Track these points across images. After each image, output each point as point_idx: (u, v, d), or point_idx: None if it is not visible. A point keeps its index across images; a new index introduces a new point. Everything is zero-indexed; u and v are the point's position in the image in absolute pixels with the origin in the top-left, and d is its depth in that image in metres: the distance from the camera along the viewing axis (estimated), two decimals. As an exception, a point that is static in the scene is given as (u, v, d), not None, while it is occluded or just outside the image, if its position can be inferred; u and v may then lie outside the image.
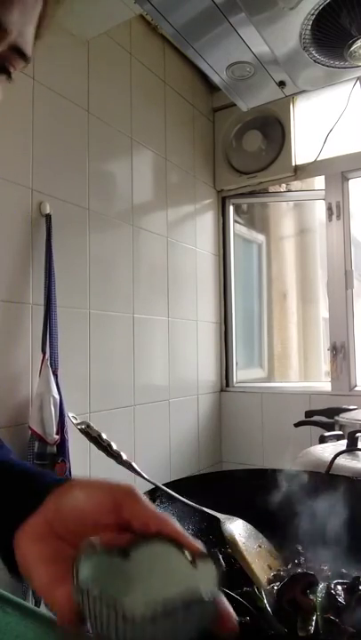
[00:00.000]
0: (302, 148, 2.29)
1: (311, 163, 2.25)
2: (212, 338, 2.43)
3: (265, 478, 0.81)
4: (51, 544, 0.37)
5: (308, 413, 1.80)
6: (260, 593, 0.57)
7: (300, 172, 2.29)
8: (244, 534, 0.66)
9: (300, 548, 0.72)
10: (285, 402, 2.27)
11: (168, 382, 2.08)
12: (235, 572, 0.65)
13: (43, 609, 0.43)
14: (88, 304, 1.69)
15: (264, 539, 0.69)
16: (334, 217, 2.23)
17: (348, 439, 1.12)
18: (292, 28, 1.23)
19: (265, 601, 0.56)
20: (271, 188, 2.48)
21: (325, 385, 2.28)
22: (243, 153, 2.39)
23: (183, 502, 0.68)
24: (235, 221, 2.60)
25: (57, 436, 1.40)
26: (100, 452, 0.64)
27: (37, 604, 1.29)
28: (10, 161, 1.45)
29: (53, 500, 0.39)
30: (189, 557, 0.33)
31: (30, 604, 0.45)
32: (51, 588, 0.34)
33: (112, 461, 0.68)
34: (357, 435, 1.12)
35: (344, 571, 0.65)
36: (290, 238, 2.91)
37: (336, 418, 1.61)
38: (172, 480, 0.77)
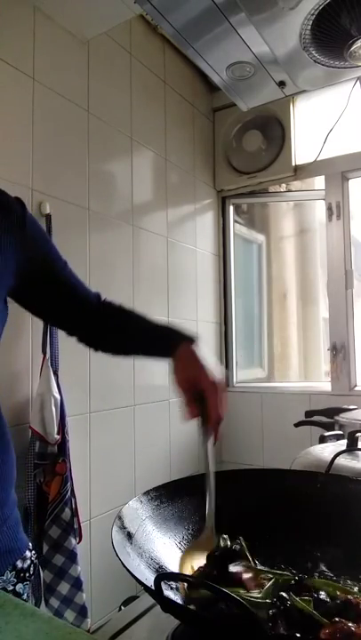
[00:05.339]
0: (302, 148, 2.28)
1: (311, 163, 2.25)
2: (212, 338, 2.43)
3: (266, 478, 0.81)
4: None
5: (308, 413, 1.80)
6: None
7: (300, 171, 2.29)
8: None
9: (311, 549, 0.72)
10: (285, 402, 2.27)
11: (168, 382, 2.08)
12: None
13: (43, 609, 0.43)
14: (88, 304, 1.69)
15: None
16: (334, 217, 2.23)
17: (348, 439, 1.12)
18: (292, 27, 1.23)
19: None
20: (271, 188, 2.48)
21: (325, 385, 2.27)
22: (243, 153, 2.39)
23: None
24: (235, 221, 2.60)
25: (58, 436, 1.40)
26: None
27: (37, 603, 1.29)
28: (10, 161, 1.45)
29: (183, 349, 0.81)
30: None
31: (30, 604, 0.45)
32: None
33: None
34: (357, 435, 1.12)
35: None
36: (290, 238, 2.91)
37: (336, 418, 1.61)
38: (174, 479, 0.77)
